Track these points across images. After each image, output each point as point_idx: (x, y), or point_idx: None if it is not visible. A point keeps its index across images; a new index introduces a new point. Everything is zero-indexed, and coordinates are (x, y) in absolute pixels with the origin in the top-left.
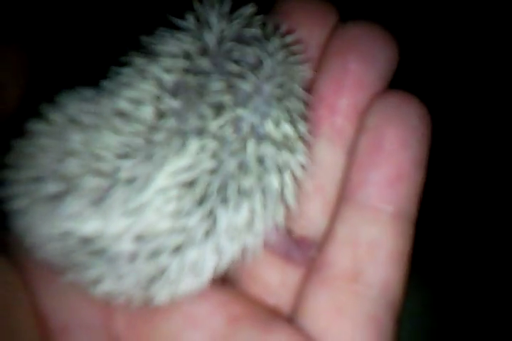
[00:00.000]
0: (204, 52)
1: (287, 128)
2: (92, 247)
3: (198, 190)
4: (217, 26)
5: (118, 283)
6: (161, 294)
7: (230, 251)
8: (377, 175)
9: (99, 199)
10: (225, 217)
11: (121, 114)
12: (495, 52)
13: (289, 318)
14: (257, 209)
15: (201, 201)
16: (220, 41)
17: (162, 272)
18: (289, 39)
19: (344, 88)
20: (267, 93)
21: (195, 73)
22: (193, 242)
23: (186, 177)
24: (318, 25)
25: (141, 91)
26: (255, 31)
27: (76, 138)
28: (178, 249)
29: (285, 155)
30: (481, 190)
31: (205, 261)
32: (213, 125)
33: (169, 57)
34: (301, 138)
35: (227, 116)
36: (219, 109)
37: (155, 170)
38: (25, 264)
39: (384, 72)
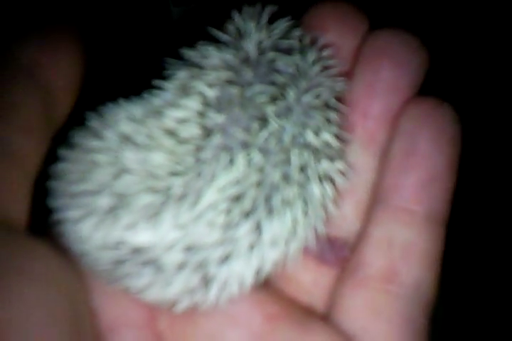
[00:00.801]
0: (246, 62)
1: (326, 136)
2: (143, 257)
3: (246, 203)
4: (256, 37)
5: (165, 290)
6: (206, 301)
7: (273, 258)
8: (411, 178)
9: (153, 214)
10: (270, 228)
11: (170, 133)
12: None
13: (324, 317)
14: (299, 218)
15: (248, 213)
16: (261, 51)
17: (208, 281)
18: (325, 52)
19: (377, 94)
20: (306, 103)
21: (238, 85)
22: (239, 253)
23: (234, 191)
24: (350, 32)
25: (186, 110)
26: (293, 42)
27: (130, 156)
28: (225, 260)
29: (325, 164)
30: (481, 190)
31: (250, 269)
32: (258, 138)
33: (212, 70)
34: (339, 145)
35: (270, 128)
36: (263, 121)
37: (205, 186)
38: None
39: (415, 78)
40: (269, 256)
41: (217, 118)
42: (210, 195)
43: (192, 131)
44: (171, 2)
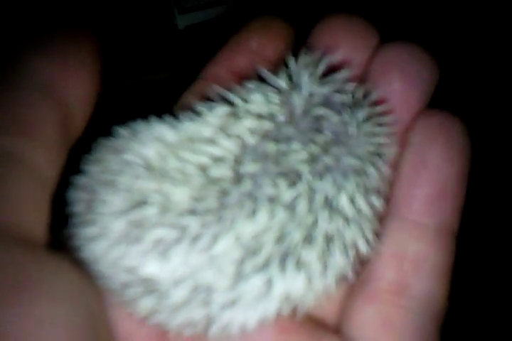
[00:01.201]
0: (290, 117)
1: (362, 204)
2: (149, 286)
3: (260, 257)
4: (307, 90)
5: (169, 319)
6: (210, 333)
7: (281, 309)
8: (421, 191)
9: (165, 249)
10: (282, 285)
11: (201, 170)
12: None
13: (335, 330)
14: (315, 279)
15: (261, 268)
16: (308, 107)
17: (210, 320)
18: (378, 109)
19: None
20: (346, 165)
21: (277, 138)
22: (245, 303)
23: (251, 243)
24: (361, 46)
25: (224, 150)
26: (345, 98)
27: (152, 187)
28: (229, 305)
29: (354, 232)
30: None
31: (253, 318)
32: (286, 195)
33: (254, 117)
34: (374, 215)
35: (301, 187)
36: (294, 179)
37: (222, 232)
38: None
39: (425, 91)
40: (276, 308)
41: (250, 167)
42: (226, 242)
43: (224, 172)
44: (175, 10)
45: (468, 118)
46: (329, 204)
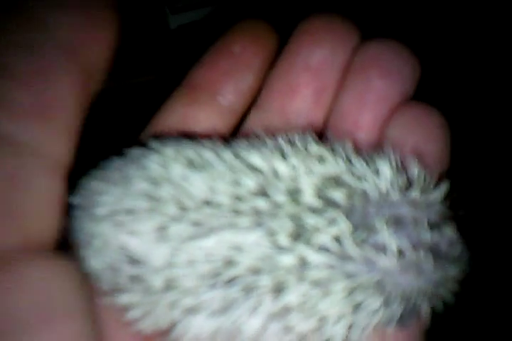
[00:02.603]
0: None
1: None
2: (134, 271)
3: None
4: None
5: (149, 313)
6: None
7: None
8: None
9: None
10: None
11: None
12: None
13: None
14: None
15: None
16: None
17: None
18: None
19: (367, 104)
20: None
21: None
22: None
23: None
24: (341, 44)
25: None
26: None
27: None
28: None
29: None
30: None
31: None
32: None
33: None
34: None
35: None
36: None
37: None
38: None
39: (406, 87)
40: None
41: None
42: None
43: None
44: (168, 11)
45: (452, 111)
46: None
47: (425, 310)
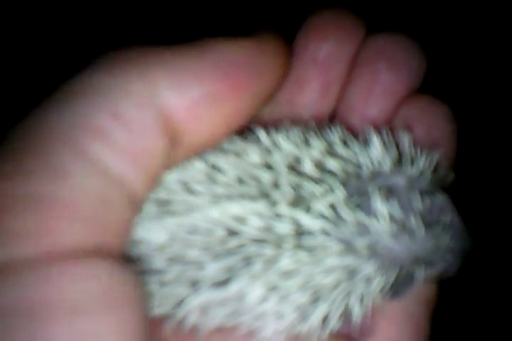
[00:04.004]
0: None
1: None
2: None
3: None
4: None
5: (155, 293)
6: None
7: None
8: None
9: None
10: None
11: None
12: None
13: None
14: None
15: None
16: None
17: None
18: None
19: (374, 97)
20: None
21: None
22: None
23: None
24: (348, 38)
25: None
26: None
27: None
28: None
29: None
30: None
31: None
32: None
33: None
34: None
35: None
36: None
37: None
38: None
39: (412, 80)
40: None
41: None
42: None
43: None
44: None
45: (459, 105)
46: None
47: (420, 278)
